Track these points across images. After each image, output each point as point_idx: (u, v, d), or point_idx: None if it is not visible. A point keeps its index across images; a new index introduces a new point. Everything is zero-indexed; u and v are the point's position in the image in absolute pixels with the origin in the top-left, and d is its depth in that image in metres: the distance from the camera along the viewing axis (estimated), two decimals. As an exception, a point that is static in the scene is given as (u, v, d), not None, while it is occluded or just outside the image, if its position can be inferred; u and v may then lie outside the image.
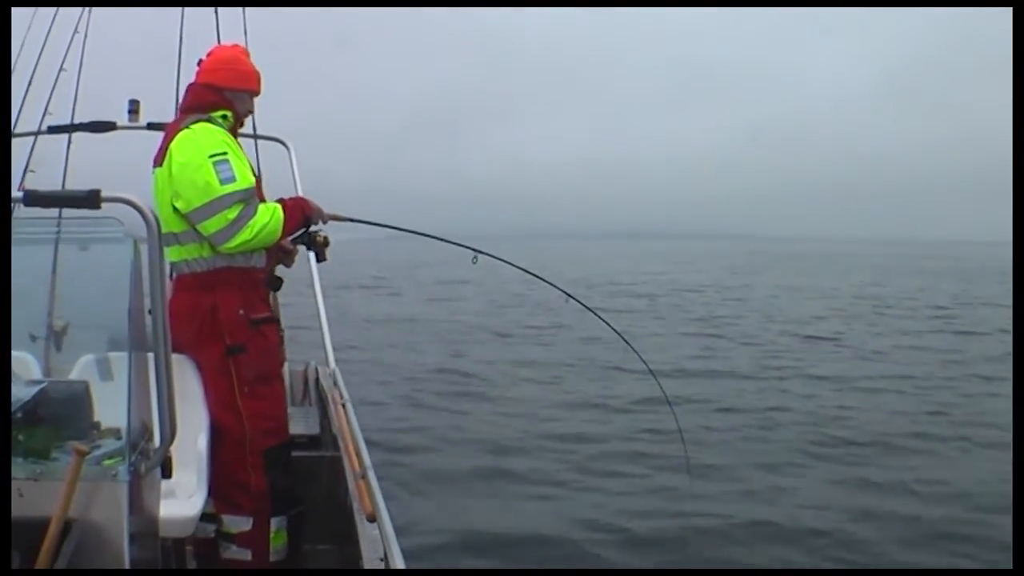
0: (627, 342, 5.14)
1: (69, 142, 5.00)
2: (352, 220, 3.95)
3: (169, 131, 3.59)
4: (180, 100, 3.86)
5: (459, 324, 20.01)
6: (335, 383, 4.56)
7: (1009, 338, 16.43)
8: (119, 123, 5.00)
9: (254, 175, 3.54)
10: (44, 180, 4.63)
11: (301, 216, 3.67)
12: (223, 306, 3.49)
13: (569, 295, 4.81)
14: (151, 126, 4.92)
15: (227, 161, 3.39)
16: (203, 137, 3.45)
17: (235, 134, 3.67)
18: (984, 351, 16.42)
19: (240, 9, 5.33)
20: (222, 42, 4.63)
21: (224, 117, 3.62)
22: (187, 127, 3.48)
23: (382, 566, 2.76)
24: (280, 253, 3.80)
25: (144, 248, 2.29)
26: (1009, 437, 8.81)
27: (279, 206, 3.56)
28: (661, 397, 5.82)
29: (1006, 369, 13.51)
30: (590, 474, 8.32)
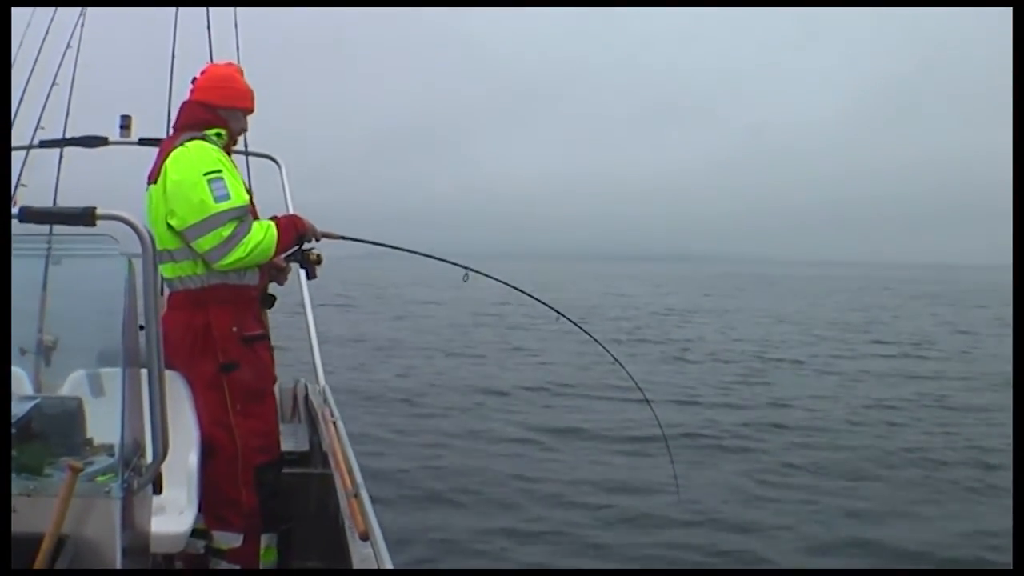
0: (620, 363, 5.18)
1: (61, 156, 5.00)
2: (345, 238, 3.97)
3: (163, 149, 3.61)
4: (172, 114, 3.87)
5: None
6: (325, 400, 4.56)
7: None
8: (111, 138, 5.01)
9: (248, 192, 3.56)
10: (36, 194, 4.63)
11: (295, 233, 3.68)
12: (216, 323, 3.50)
13: (560, 313, 4.84)
14: (143, 141, 4.93)
15: (221, 179, 3.41)
16: (197, 155, 3.46)
17: (229, 152, 3.69)
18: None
19: (231, 9, 5.36)
20: (213, 45, 4.64)
21: (218, 135, 3.64)
22: (181, 145, 3.50)
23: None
24: (273, 271, 3.81)
25: (138, 265, 2.30)
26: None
27: (273, 224, 3.57)
28: (647, 417, 5.84)
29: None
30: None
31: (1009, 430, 10.14)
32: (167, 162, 3.49)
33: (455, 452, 9.59)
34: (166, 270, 3.56)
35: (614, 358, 5.22)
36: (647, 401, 5.71)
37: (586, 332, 5.15)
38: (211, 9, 5.34)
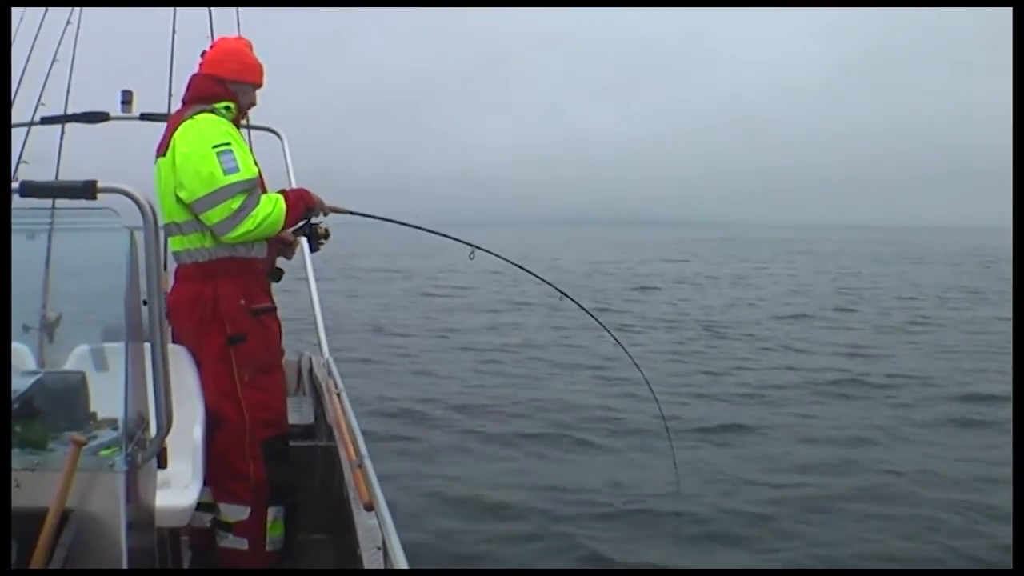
0: (622, 346, 5.18)
1: (62, 133, 4.99)
2: (353, 213, 3.96)
3: (172, 121, 3.60)
4: (173, 89, 3.84)
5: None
6: (329, 373, 4.57)
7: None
8: (112, 114, 4.99)
9: (256, 165, 3.55)
10: (38, 171, 4.62)
11: (303, 207, 3.67)
12: (224, 296, 3.50)
13: (564, 293, 4.83)
14: (144, 116, 4.92)
15: (231, 151, 3.40)
16: (207, 127, 3.46)
17: (238, 125, 3.69)
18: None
19: (234, 9, 5.32)
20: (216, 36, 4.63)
21: (227, 108, 3.64)
22: (191, 117, 3.50)
23: (379, 555, 2.77)
24: (281, 245, 3.82)
25: (140, 238, 2.29)
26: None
27: (281, 197, 3.56)
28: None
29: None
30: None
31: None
32: (176, 134, 3.48)
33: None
34: (174, 243, 3.57)
35: (616, 340, 5.23)
36: (647, 383, 5.69)
37: (590, 314, 5.14)
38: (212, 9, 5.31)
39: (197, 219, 3.45)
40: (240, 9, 5.20)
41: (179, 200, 3.45)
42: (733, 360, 14.12)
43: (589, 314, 5.12)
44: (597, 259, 43.27)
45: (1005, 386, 10.94)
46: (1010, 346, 14.28)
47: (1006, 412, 9.89)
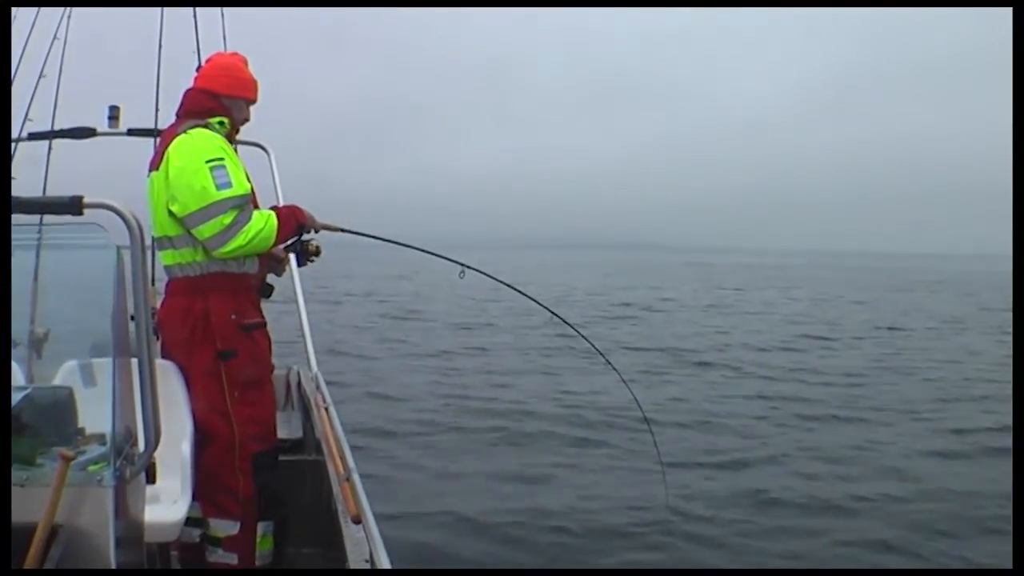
0: (611, 364, 5.20)
1: (50, 148, 4.99)
2: (344, 231, 3.97)
3: (166, 135, 3.61)
4: (160, 105, 3.85)
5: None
6: (318, 387, 4.57)
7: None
8: (99, 129, 4.99)
9: (249, 181, 3.56)
10: (24, 187, 4.61)
11: (295, 224, 3.68)
12: (215, 311, 3.51)
13: (554, 313, 4.85)
14: (131, 132, 4.92)
15: (224, 167, 3.42)
16: (200, 142, 3.47)
17: (231, 140, 3.70)
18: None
19: (219, 9, 5.33)
20: (201, 43, 4.63)
21: (221, 123, 3.65)
22: (184, 132, 3.51)
23: (368, 567, 2.77)
24: (271, 261, 3.83)
25: (127, 254, 2.30)
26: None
27: (273, 213, 3.58)
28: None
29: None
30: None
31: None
32: (170, 148, 3.49)
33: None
34: (166, 256, 3.58)
35: (606, 360, 5.26)
36: (635, 400, 5.72)
37: (581, 334, 5.14)
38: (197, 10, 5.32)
39: (189, 233, 3.46)
40: (225, 9, 5.23)
41: (171, 214, 3.46)
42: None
43: (580, 335, 5.13)
44: (564, 282, 42.77)
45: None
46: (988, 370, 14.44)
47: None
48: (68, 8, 5.11)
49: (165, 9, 5.25)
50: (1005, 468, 7.34)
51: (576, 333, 5.12)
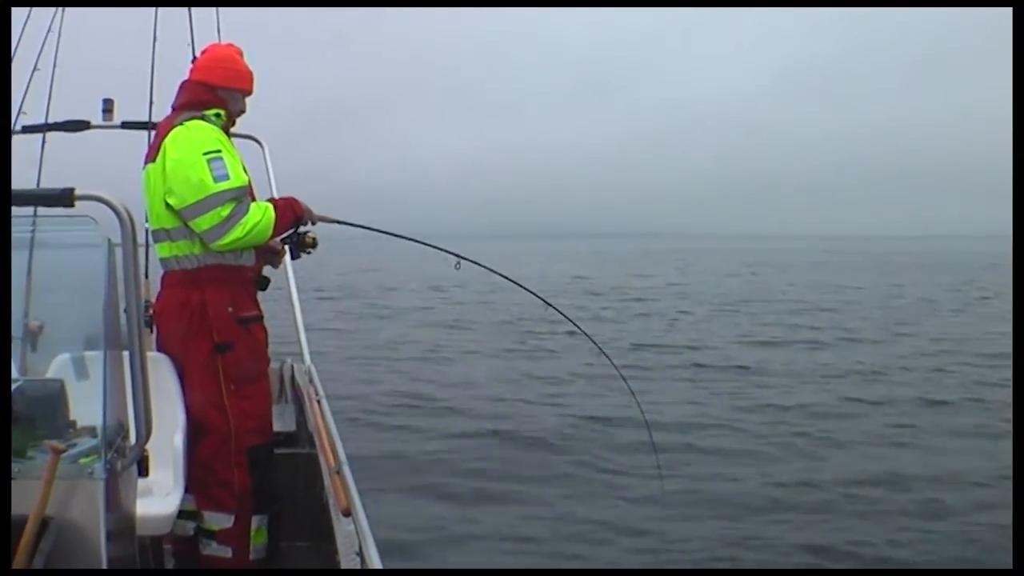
0: (606, 355, 5.19)
1: (44, 141, 4.98)
2: (340, 222, 3.96)
3: (162, 128, 3.60)
4: (155, 98, 3.84)
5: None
6: (311, 380, 4.57)
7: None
8: (93, 122, 4.99)
9: (246, 173, 3.56)
10: (18, 181, 4.60)
11: (292, 216, 3.67)
12: (212, 303, 3.50)
13: (548, 303, 4.84)
14: (125, 125, 4.92)
15: (221, 159, 3.40)
16: (197, 134, 3.46)
17: (227, 132, 3.68)
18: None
19: (214, 9, 5.32)
20: (196, 40, 4.62)
21: (217, 115, 3.63)
22: (181, 124, 3.49)
23: (358, 561, 2.77)
24: (268, 253, 3.81)
25: (118, 247, 2.29)
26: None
27: (271, 205, 3.57)
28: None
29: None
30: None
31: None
32: (167, 140, 3.48)
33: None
34: (162, 249, 3.57)
35: (600, 350, 5.22)
36: (634, 396, 5.70)
37: (575, 324, 5.14)
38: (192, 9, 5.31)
39: (186, 226, 3.44)
40: (220, 9, 5.22)
41: (168, 207, 3.45)
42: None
43: (576, 326, 5.13)
44: (551, 271, 42.63)
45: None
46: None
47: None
48: (62, 13, 5.10)
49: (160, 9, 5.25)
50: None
51: (577, 330, 5.12)
